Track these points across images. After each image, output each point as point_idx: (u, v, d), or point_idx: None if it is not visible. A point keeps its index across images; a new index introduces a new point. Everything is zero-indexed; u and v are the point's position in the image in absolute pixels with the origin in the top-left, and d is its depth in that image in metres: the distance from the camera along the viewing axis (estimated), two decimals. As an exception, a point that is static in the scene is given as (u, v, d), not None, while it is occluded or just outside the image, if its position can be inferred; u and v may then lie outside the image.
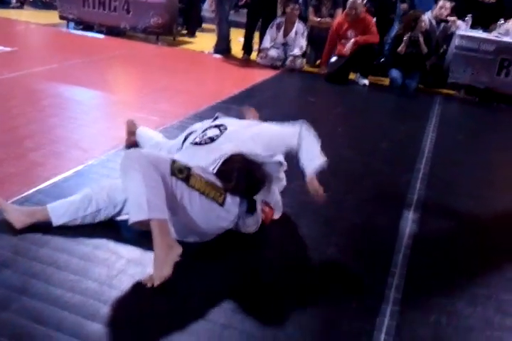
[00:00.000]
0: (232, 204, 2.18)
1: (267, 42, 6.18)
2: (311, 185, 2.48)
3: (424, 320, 1.93)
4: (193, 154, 2.35)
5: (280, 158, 2.48)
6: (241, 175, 2.18)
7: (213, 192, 2.10)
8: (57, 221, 2.20)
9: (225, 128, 2.46)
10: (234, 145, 2.32)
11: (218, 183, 2.15)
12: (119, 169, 2.05)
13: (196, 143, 2.42)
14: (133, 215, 1.92)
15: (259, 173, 2.27)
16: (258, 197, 2.31)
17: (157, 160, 1.99)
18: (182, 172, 2.04)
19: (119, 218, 2.29)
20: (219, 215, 2.14)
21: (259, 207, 2.32)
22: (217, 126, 2.49)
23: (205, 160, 2.25)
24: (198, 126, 2.68)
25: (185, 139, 2.61)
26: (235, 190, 2.18)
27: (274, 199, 2.48)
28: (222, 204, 2.13)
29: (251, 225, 2.31)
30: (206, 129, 2.51)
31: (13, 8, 8.44)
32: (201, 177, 2.10)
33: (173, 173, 2.01)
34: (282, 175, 2.65)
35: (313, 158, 2.53)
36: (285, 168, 2.61)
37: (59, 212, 2.20)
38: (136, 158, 1.98)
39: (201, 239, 2.21)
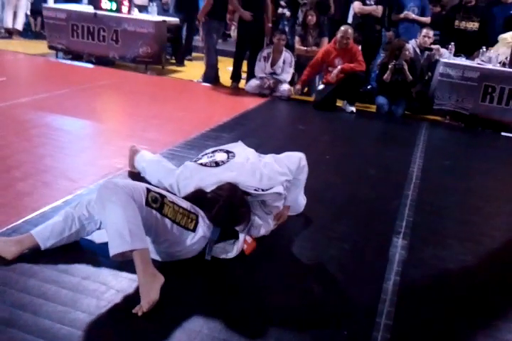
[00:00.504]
0: (206, 228, 2.24)
1: (260, 74, 6.27)
2: (283, 213, 2.68)
3: (416, 348, 1.93)
4: (194, 173, 2.49)
5: (279, 189, 2.49)
6: (224, 206, 2.25)
7: (184, 219, 2.15)
8: (45, 244, 2.22)
9: (233, 156, 2.55)
10: (232, 177, 2.39)
11: (193, 209, 2.22)
12: (95, 201, 2.08)
13: (201, 164, 2.52)
14: (115, 247, 1.92)
15: (242, 209, 2.32)
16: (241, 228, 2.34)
17: (133, 191, 2.01)
18: (156, 202, 2.07)
19: (90, 237, 2.33)
20: (192, 239, 2.18)
21: (241, 236, 2.35)
22: (228, 152, 2.59)
23: (202, 182, 2.38)
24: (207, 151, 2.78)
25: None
26: (213, 220, 2.26)
27: (259, 232, 2.51)
28: (194, 230, 2.18)
29: (229, 252, 2.34)
30: (216, 151, 2.64)
31: (2, 38, 8.49)
32: (174, 204, 2.15)
33: (147, 203, 2.03)
34: (280, 204, 2.63)
35: (299, 197, 2.81)
36: (283, 197, 2.61)
37: (44, 235, 2.22)
38: (113, 189, 1.99)
39: (185, 257, 2.25)
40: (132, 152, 3.31)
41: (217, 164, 2.49)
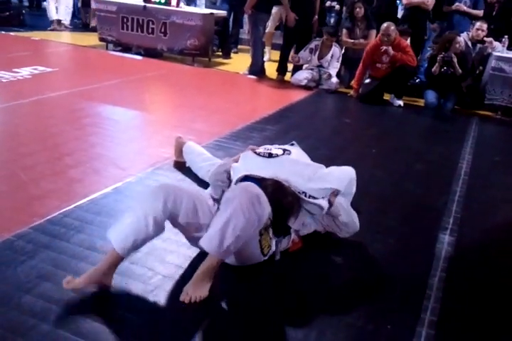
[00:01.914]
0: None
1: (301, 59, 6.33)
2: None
3: (461, 345, 1.90)
4: (249, 160, 2.50)
5: (323, 202, 2.36)
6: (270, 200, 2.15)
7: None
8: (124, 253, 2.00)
9: (289, 154, 2.55)
10: (281, 172, 2.35)
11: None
12: (240, 195, 1.97)
13: (256, 153, 2.53)
14: (210, 246, 1.92)
15: (288, 199, 2.25)
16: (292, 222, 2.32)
17: (266, 215, 2.02)
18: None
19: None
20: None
21: (292, 234, 2.35)
22: (284, 150, 2.57)
23: (256, 170, 2.36)
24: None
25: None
26: None
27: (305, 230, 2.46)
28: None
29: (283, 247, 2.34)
30: (272, 147, 2.64)
31: (53, 30, 8.71)
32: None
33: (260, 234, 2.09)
34: (312, 223, 2.50)
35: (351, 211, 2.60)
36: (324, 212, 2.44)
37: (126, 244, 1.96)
38: (263, 202, 1.98)
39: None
40: (178, 143, 3.37)
41: (270, 155, 2.50)
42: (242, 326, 1.87)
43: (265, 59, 7.56)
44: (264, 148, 2.65)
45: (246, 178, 2.32)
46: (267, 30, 7.86)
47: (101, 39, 7.56)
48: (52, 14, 8.74)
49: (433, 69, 5.67)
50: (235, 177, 2.40)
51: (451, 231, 2.78)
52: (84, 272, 1.97)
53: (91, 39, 7.95)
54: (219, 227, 1.90)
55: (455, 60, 5.57)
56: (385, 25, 5.72)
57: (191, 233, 2.12)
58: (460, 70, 5.60)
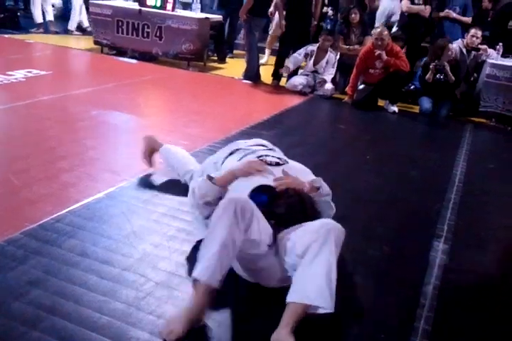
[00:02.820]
0: None
1: (290, 64, 6.31)
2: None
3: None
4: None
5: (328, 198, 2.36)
6: (293, 206, 2.09)
7: None
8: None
9: (287, 162, 2.44)
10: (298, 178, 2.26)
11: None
12: (329, 235, 1.88)
13: (262, 160, 2.36)
14: (321, 300, 1.79)
15: (312, 210, 2.16)
16: None
17: None
18: None
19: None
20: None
21: None
22: (279, 158, 2.44)
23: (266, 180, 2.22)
24: (243, 145, 2.70)
25: (229, 154, 2.63)
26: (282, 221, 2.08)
27: None
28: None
29: None
30: (265, 155, 2.46)
31: (40, 33, 8.60)
32: None
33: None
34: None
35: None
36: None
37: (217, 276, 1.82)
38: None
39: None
40: (149, 142, 3.21)
41: (278, 164, 2.36)
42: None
43: (262, 61, 7.58)
44: (254, 154, 2.50)
45: (259, 188, 2.15)
46: (270, 33, 7.89)
47: (96, 42, 7.54)
48: (38, 18, 8.64)
49: (427, 77, 5.69)
50: (240, 190, 2.17)
51: (445, 239, 2.77)
52: (77, 277, 1.94)
53: (86, 42, 7.93)
54: (324, 280, 1.80)
55: (447, 67, 5.59)
56: (378, 29, 5.74)
57: (248, 249, 1.94)
58: (453, 78, 5.62)
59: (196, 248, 2.11)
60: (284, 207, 2.07)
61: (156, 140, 3.23)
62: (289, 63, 6.31)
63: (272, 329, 1.77)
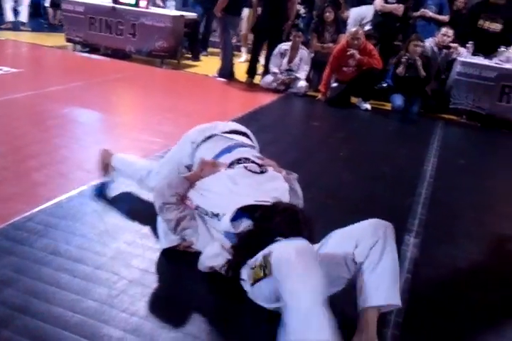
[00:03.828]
0: None
1: (274, 69, 6.27)
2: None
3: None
4: (241, 180, 2.14)
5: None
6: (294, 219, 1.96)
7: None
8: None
9: (266, 170, 2.28)
10: (284, 189, 2.21)
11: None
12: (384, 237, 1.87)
13: (247, 169, 2.21)
14: (393, 299, 1.82)
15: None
16: None
17: None
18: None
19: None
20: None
21: None
22: (261, 166, 2.29)
23: (255, 194, 2.07)
24: (220, 129, 2.57)
25: (207, 138, 2.52)
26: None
27: None
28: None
29: None
30: (245, 158, 2.31)
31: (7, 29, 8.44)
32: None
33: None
34: None
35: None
36: None
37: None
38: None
39: None
40: (104, 156, 2.96)
41: (261, 171, 2.23)
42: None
43: (242, 60, 7.60)
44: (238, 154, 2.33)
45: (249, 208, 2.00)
46: (242, 32, 7.90)
47: (68, 40, 7.44)
48: (9, 16, 8.49)
49: (398, 71, 5.76)
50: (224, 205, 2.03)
51: (416, 233, 2.81)
52: (49, 276, 1.92)
53: (58, 39, 7.82)
54: (393, 278, 1.82)
55: (419, 62, 5.67)
56: (353, 29, 5.80)
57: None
58: (424, 73, 5.69)
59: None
60: (285, 224, 1.92)
61: (109, 152, 2.97)
62: (273, 68, 6.30)
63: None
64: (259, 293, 1.85)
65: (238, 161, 2.28)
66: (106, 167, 2.93)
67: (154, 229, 2.50)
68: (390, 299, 1.81)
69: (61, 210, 2.58)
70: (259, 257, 1.80)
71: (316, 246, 1.98)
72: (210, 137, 2.52)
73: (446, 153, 4.45)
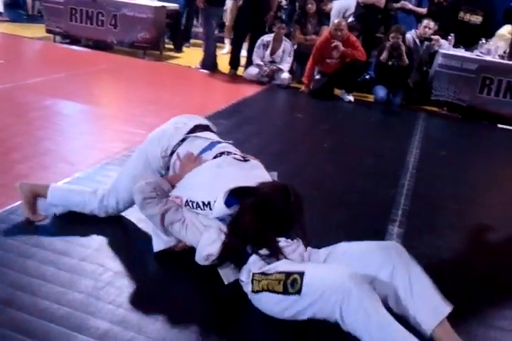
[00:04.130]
0: None
1: (257, 60, 6.25)
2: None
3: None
4: (227, 169, 2.10)
5: None
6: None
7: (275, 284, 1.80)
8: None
9: (248, 159, 2.24)
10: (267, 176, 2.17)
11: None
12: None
13: (235, 158, 2.17)
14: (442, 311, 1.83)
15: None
16: None
17: None
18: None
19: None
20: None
21: None
22: (243, 158, 2.23)
23: (241, 179, 2.03)
24: (186, 127, 2.37)
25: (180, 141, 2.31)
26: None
27: None
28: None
29: None
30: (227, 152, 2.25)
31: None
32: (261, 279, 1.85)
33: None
34: None
35: None
36: None
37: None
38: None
39: None
40: (27, 189, 2.42)
41: (244, 159, 2.19)
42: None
43: (225, 51, 7.56)
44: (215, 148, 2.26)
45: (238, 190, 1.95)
46: (226, 24, 7.85)
47: (48, 31, 7.32)
48: None
49: (382, 57, 5.77)
50: (214, 194, 1.97)
51: (399, 223, 2.85)
52: (34, 268, 1.91)
53: (37, 31, 7.70)
54: (431, 288, 1.88)
55: (403, 47, 5.69)
56: (336, 20, 5.81)
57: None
58: (407, 60, 5.72)
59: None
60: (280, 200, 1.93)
61: (34, 184, 2.48)
62: (257, 60, 6.28)
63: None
64: (263, 302, 1.86)
65: (221, 154, 2.22)
66: (34, 200, 2.43)
67: (138, 221, 2.50)
68: (444, 309, 1.82)
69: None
70: (272, 268, 1.82)
71: (322, 252, 2.03)
72: (182, 140, 2.31)
73: (428, 145, 4.50)
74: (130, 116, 4.32)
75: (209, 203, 1.98)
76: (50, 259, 2.09)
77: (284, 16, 7.39)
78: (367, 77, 6.41)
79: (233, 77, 6.45)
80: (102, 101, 4.88)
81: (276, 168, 2.41)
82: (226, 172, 2.07)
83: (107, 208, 2.40)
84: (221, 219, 1.98)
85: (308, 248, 2.06)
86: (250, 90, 5.83)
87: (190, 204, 2.03)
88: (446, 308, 1.82)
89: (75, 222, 2.42)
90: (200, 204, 2.00)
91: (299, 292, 1.72)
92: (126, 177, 2.35)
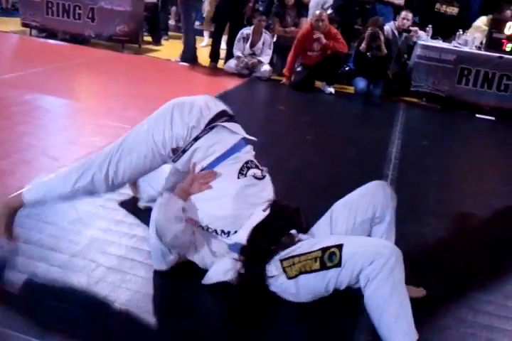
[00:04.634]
0: None
1: (238, 53, 6.24)
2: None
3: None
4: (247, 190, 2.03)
5: None
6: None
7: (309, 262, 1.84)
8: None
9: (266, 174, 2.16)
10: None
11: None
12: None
13: (256, 177, 2.06)
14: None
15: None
16: None
17: None
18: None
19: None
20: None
21: None
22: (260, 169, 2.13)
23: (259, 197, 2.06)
24: (212, 111, 2.15)
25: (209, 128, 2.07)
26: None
27: None
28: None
29: None
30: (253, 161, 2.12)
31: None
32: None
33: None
34: None
35: None
36: None
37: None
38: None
39: None
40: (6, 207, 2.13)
41: (263, 175, 2.11)
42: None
43: (204, 44, 7.53)
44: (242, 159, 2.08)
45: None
46: (204, 15, 7.81)
47: (24, 24, 7.19)
48: None
49: (361, 47, 5.80)
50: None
51: (385, 213, 2.88)
52: (25, 265, 1.90)
53: (12, 24, 7.56)
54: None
55: (382, 37, 5.73)
56: (317, 12, 5.82)
57: None
58: (385, 50, 5.76)
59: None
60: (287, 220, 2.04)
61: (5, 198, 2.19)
62: (237, 52, 6.26)
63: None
64: (302, 286, 1.86)
65: (246, 165, 2.06)
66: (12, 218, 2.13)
67: (128, 216, 2.49)
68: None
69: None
70: (295, 249, 1.87)
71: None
72: (211, 128, 2.06)
73: (409, 135, 4.55)
74: (111, 110, 4.28)
75: (229, 232, 1.99)
76: (40, 256, 2.07)
77: (261, 8, 7.39)
78: (346, 68, 6.45)
79: (214, 70, 6.43)
80: (82, 95, 4.82)
81: (260, 160, 2.41)
82: (248, 198, 2.01)
83: (108, 176, 2.00)
84: (232, 248, 2.00)
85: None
86: (231, 83, 5.82)
87: (207, 229, 2.02)
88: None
89: (62, 219, 2.39)
90: (219, 231, 2.00)
91: (339, 264, 1.76)
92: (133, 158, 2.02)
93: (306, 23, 6.36)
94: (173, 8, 9.13)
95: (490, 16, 6.20)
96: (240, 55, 6.22)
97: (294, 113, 5.20)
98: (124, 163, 2.01)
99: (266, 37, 6.27)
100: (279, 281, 1.91)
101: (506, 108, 5.76)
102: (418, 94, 6.05)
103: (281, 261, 1.87)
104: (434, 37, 6.20)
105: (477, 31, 6.25)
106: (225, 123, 2.09)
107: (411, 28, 6.24)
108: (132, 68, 6.12)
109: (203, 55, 6.73)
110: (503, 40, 5.70)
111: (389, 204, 2.09)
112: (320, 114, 5.21)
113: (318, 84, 6.05)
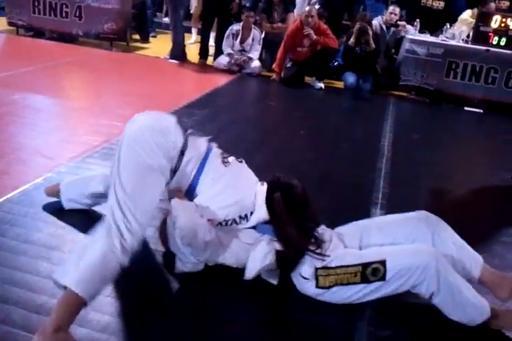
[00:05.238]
0: None
1: (228, 49, 6.24)
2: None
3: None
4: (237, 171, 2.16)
5: None
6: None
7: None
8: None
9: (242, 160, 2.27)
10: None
11: None
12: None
13: (238, 161, 2.22)
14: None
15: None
16: None
17: None
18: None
19: None
20: None
21: None
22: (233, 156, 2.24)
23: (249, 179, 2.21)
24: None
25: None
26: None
27: None
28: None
29: None
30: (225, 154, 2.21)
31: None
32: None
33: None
34: None
35: None
36: None
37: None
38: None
39: None
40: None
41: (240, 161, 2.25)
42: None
43: (191, 41, 7.51)
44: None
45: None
46: (192, 12, 7.78)
47: (10, 23, 7.11)
48: None
49: (350, 42, 5.83)
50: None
51: (381, 206, 2.93)
52: (27, 264, 1.90)
53: (-2, 23, 7.50)
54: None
55: (370, 32, 5.76)
56: (307, 8, 5.84)
57: None
58: (373, 45, 5.79)
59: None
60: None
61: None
62: (227, 49, 6.26)
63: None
64: (336, 295, 1.92)
65: (223, 156, 2.16)
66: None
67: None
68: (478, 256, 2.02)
69: (28, 199, 2.53)
70: (333, 260, 1.91)
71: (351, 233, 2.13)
72: (186, 139, 2.05)
73: (400, 129, 4.59)
74: (104, 108, 4.27)
75: (246, 215, 2.08)
76: (41, 255, 2.07)
77: (248, 4, 7.39)
78: (335, 63, 6.47)
79: (203, 67, 6.42)
80: (72, 94, 4.80)
81: (254, 156, 2.46)
82: (244, 179, 2.16)
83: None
84: (260, 230, 2.07)
85: (329, 229, 2.16)
86: (221, 80, 5.82)
87: (226, 223, 2.07)
88: (480, 257, 2.02)
89: (60, 218, 2.39)
90: (238, 220, 2.07)
91: (383, 278, 1.85)
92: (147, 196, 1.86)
93: (293, 18, 6.37)
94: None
95: (475, 10, 6.26)
96: (231, 51, 6.22)
97: (285, 108, 5.22)
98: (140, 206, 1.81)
99: (255, 33, 6.28)
100: (306, 286, 1.96)
101: (494, 100, 5.84)
102: (407, 88, 6.09)
103: (317, 269, 1.91)
104: (421, 31, 6.25)
105: (463, 24, 6.32)
106: (189, 131, 2.13)
107: (399, 22, 6.28)
108: (122, 66, 6.09)
109: (192, 52, 6.72)
110: (490, 34, 5.76)
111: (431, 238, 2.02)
112: (311, 109, 5.23)
113: (308, 79, 6.07)
